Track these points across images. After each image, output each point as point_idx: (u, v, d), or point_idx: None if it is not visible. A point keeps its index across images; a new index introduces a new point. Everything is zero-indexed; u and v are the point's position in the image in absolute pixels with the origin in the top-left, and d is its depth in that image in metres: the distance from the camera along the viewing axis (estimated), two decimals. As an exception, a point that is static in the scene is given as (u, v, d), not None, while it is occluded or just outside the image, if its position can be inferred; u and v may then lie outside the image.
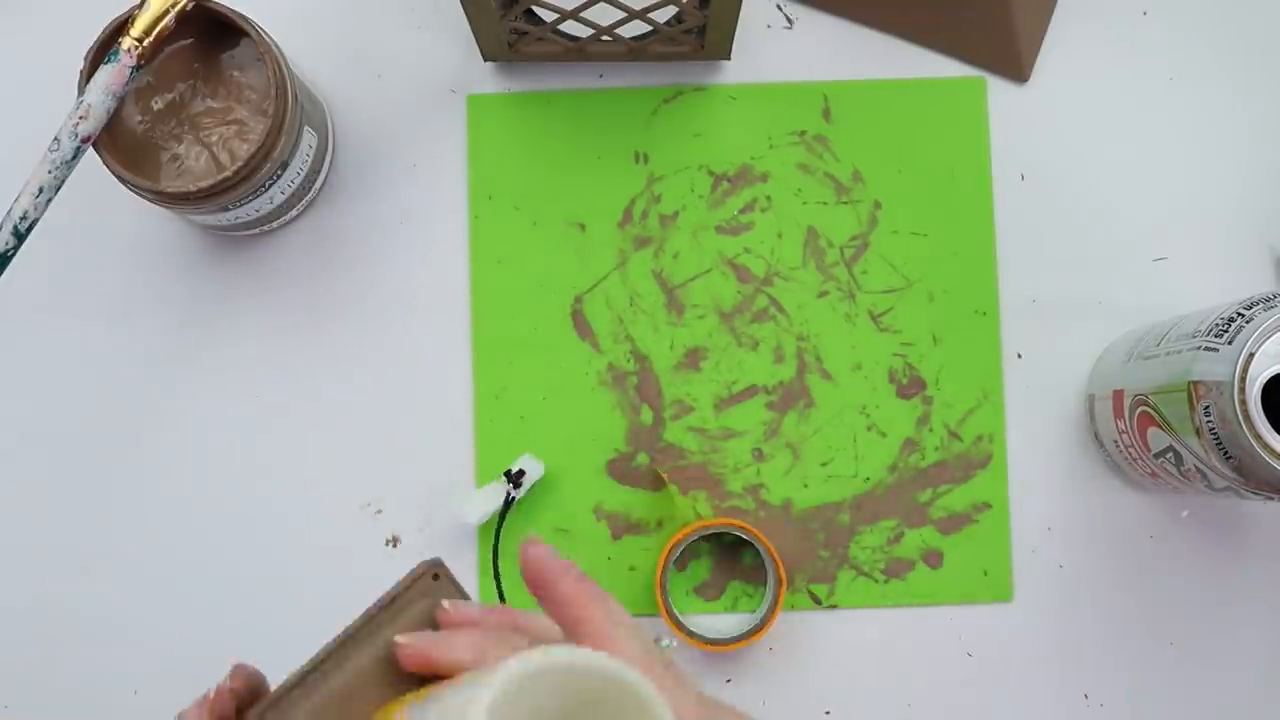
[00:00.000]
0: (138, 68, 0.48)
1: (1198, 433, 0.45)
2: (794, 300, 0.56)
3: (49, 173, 0.47)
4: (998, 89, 0.57)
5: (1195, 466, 0.47)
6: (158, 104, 0.49)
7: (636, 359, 0.55)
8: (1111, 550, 0.55)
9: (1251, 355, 0.43)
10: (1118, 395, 0.51)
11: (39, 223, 0.48)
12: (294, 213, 0.55)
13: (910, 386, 0.55)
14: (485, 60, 0.56)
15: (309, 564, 0.54)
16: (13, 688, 0.54)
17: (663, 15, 0.52)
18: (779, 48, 0.57)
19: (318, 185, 0.55)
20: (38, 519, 0.55)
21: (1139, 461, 0.51)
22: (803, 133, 0.56)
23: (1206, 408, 0.44)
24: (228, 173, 0.48)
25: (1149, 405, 0.48)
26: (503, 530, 0.54)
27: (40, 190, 0.47)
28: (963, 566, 0.55)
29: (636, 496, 0.55)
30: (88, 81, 0.47)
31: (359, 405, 0.55)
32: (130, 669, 0.54)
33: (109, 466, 0.55)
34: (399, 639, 0.33)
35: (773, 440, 0.55)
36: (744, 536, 0.53)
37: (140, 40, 0.47)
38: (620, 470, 0.55)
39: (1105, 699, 0.54)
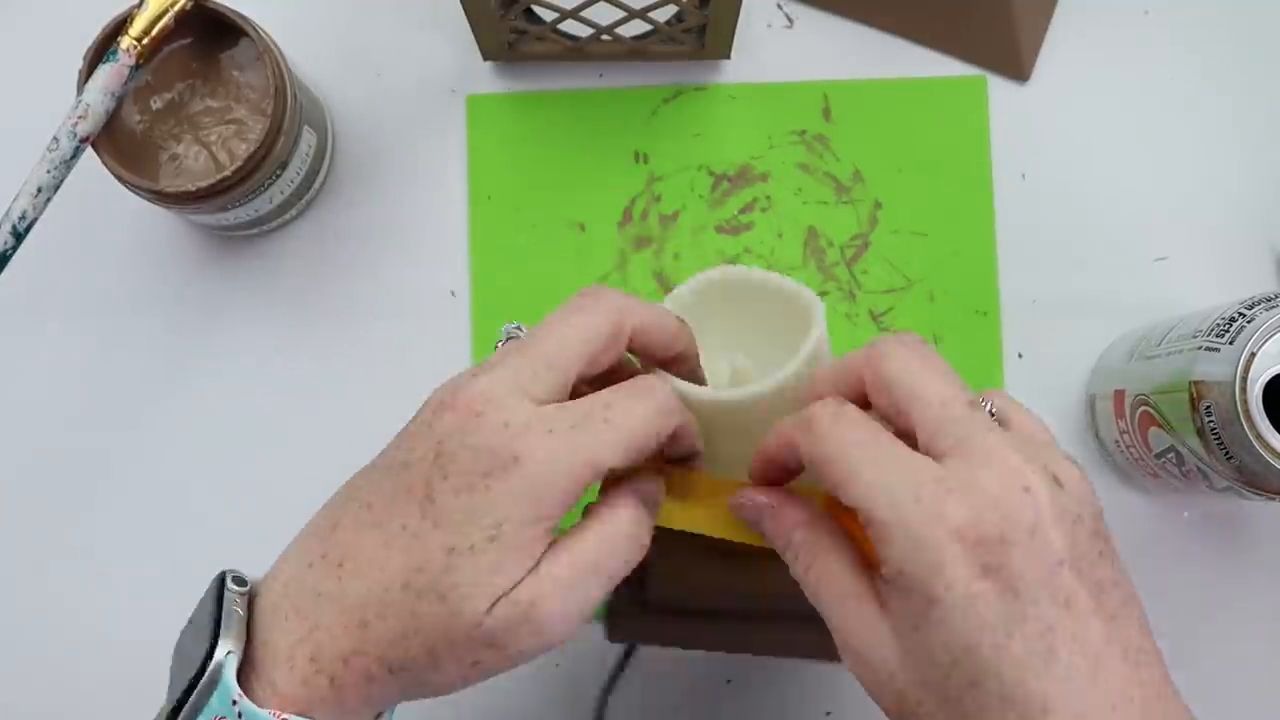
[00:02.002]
0: (137, 67, 0.48)
1: (1199, 433, 0.45)
2: (794, 300, 0.56)
3: (48, 172, 0.47)
4: (998, 88, 0.57)
5: (1196, 467, 0.47)
6: (157, 104, 0.49)
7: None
8: (1112, 550, 0.55)
9: (1253, 355, 0.43)
10: (1119, 395, 0.51)
11: (38, 222, 0.48)
12: (293, 213, 0.55)
13: (911, 386, 0.55)
14: (485, 60, 0.56)
15: (308, 564, 0.54)
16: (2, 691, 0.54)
17: (663, 15, 0.52)
18: (779, 47, 0.57)
19: (317, 185, 0.55)
20: (36, 519, 0.54)
21: (1140, 461, 0.51)
22: (803, 132, 0.56)
23: (1208, 408, 0.44)
24: (227, 172, 0.48)
25: (1150, 405, 0.48)
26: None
27: (39, 190, 0.47)
28: (963, 567, 0.55)
29: (636, 497, 0.55)
30: (86, 81, 0.47)
31: (358, 405, 0.55)
32: (126, 671, 0.54)
33: (107, 466, 0.55)
34: None
35: (773, 440, 0.55)
36: None
37: (139, 40, 0.47)
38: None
39: (1106, 699, 0.54)
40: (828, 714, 0.54)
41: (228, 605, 0.36)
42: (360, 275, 0.56)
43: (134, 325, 0.55)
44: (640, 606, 0.47)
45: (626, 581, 0.45)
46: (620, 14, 0.51)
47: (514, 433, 0.34)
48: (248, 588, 0.37)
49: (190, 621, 0.37)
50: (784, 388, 0.41)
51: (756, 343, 0.46)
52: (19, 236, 0.47)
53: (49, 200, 0.47)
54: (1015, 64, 0.56)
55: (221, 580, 0.37)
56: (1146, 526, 0.55)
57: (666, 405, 0.37)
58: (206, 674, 0.34)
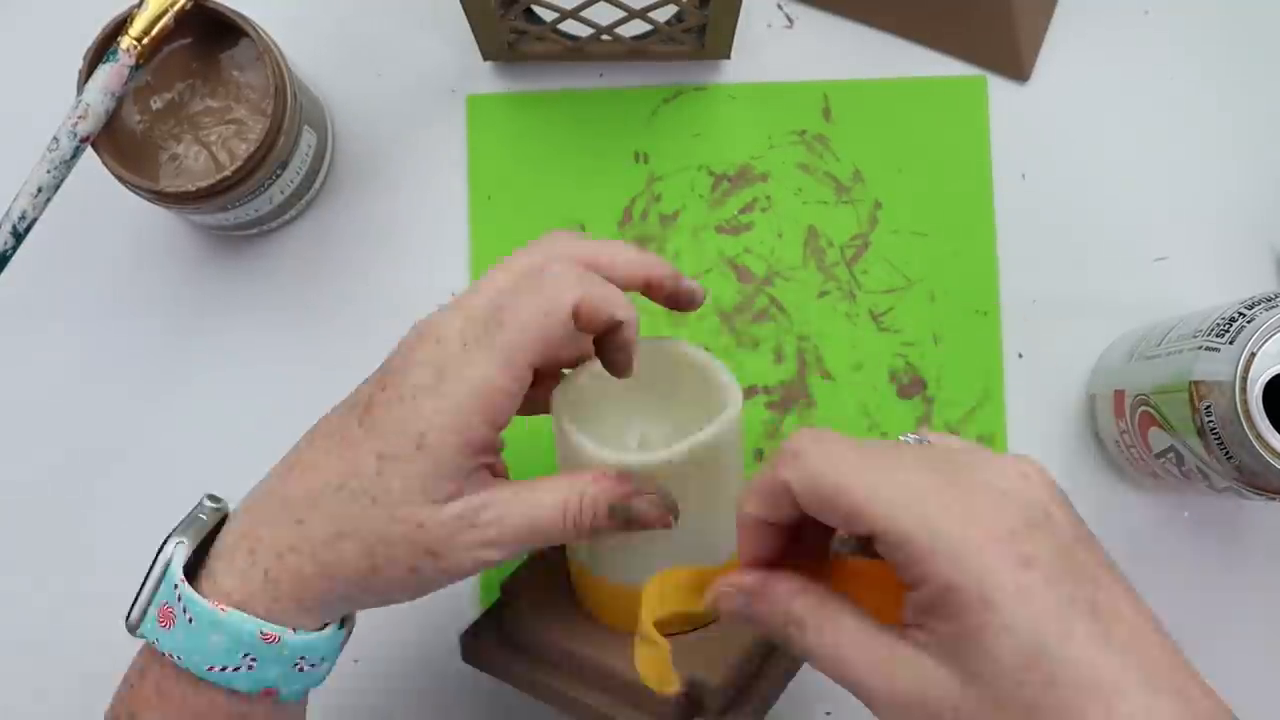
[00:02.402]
0: (137, 67, 0.48)
1: (1199, 433, 0.45)
2: (794, 300, 0.56)
3: (48, 172, 0.47)
4: (998, 88, 0.57)
5: (1196, 466, 0.47)
6: (157, 104, 0.49)
7: (636, 359, 0.55)
8: (1112, 550, 0.54)
9: (1253, 355, 0.43)
10: (1119, 395, 0.51)
11: (38, 222, 0.48)
12: (293, 212, 0.55)
13: (911, 386, 0.55)
14: (485, 60, 0.56)
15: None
16: None
17: (663, 15, 0.52)
18: (779, 47, 0.57)
19: (317, 185, 0.55)
20: (36, 519, 0.54)
21: (1140, 461, 0.51)
22: (803, 132, 0.56)
23: (1208, 407, 0.44)
24: (227, 172, 0.48)
25: (1150, 405, 0.48)
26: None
27: (39, 190, 0.47)
28: (963, 567, 0.55)
29: (636, 497, 0.55)
30: (86, 81, 0.47)
31: (358, 405, 0.55)
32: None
33: (107, 466, 0.55)
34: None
35: (774, 440, 0.55)
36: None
37: (139, 40, 0.47)
38: (620, 470, 0.55)
39: (1106, 699, 0.54)
40: (828, 714, 0.54)
41: (195, 511, 0.39)
42: (360, 275, 0.56)
43: (134, 325, 0.55)
44: (495, 635, 0.46)
45: (498, 609, 0.46)
46: (620, 14, 0.51)
47: (443, 349, 0.37)
48: (221, 504, 0.40)
49: None
50: (685, 459, 0.39)
51: (677, 418, 0.44)
52: (19, 236, 0.47)
53: (49, 200, 0.47)
54: (1015, 64, 0.56)
55: (201, 501, 0.40)
56: (1146, 526, 0.55)
57: (556, 292, 0.37)
58: (156, 565, 0.37)
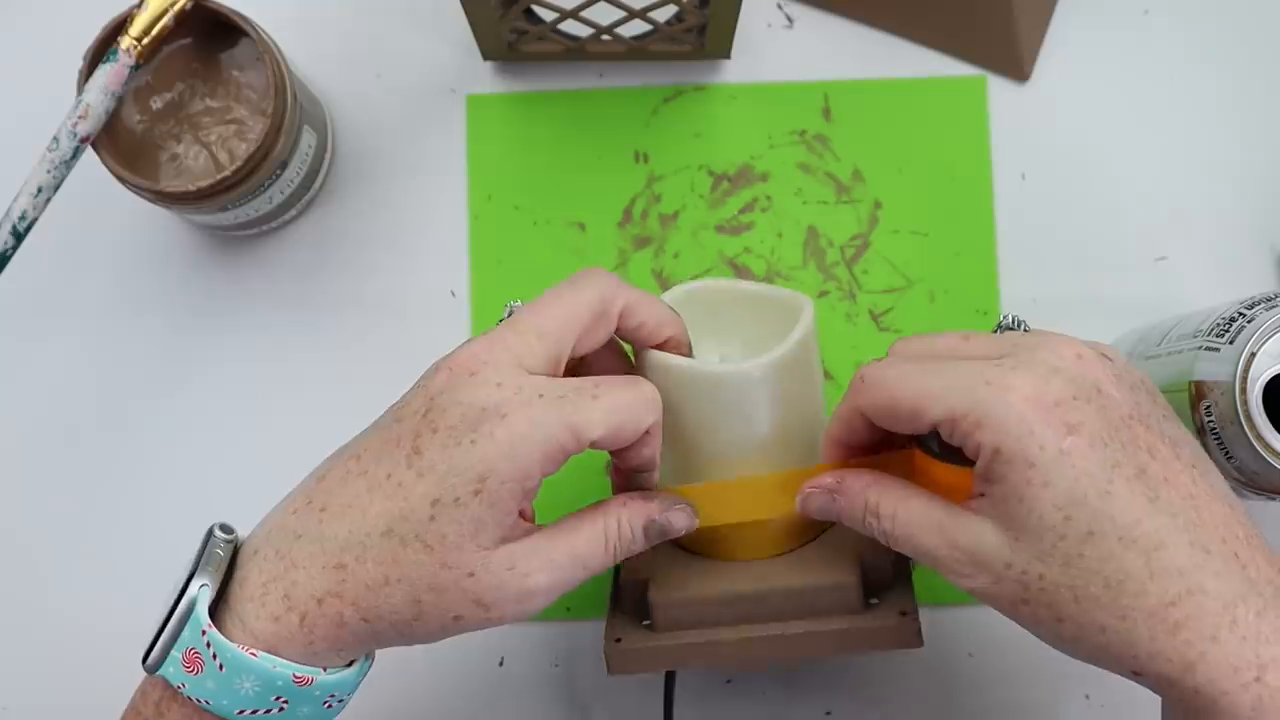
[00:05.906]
0: (137, 67, 0.48)
1: (1199, 433, 0.45)
2: (794, 300, 0.56)
3: (48, 172, 0.47)
4: (998, 88, 0.57)
5: (1196, 466, 0.47)
6: (156, 104, 0.49)
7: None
8: (1112, 550, 0.55)
9: (1253, 355, 0.43)
10: (1118, 395, 0.51)
11: (38, 222, 0.48)
12: (293, 213, 0.55)
13: (911, 386, 0.55)
14: (485, 60, 0.56)
15: (308, 564, 0.54)
16: None
17: (663, 14, 0.52)
18: (779, 47, 0.57)
19: (317, 185, 0.55)
20: (36, 519, 0.54)
21: (1140, 461, 0.51)
22: (803, 132, 0.56)
23: (1208, 408, 0.44)
24: (227, 172, 0.48)
25: (1150, 405, 0.48)
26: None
27: (39, 190, 0.47)
28: (963, 567, 0.55)
29: (636, 497, 0.55)
30: (86, 81, 0.47)
31: (358, 405, 0.55)
32: (127, 672, 0.54)
33: (107, 467, 0.55)
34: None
35: (773, 440, 0.55)
36: None
37: (139, 40, 0.47)
38: (620, 470, 0.55)
39: (1105, 699, 0.54)
40: (828, 714, 0.54)
41: (210, 547, 0.37)
42: (360, 275, 0.56)
43: (134, 325, 0.55)
44: (643, 633, 0.44)
45: (625, 610, 0.45)
46: (620, 14, 0.51)
47: (505, 393, 0.36)
48: (234, 536, 0.39)
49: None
50: (776, 367, 0.42)
51: (744, 341, 0.47)
52: (19, 236, 0.47)
53: (49, 200, 0.47)
54: (1015, 64, 0.56)
55: (211, 531, 0.39)
56: (1146, 526, 0.55)
57: (651, 398, 0.39)
58: (179, 607, 0.36)
